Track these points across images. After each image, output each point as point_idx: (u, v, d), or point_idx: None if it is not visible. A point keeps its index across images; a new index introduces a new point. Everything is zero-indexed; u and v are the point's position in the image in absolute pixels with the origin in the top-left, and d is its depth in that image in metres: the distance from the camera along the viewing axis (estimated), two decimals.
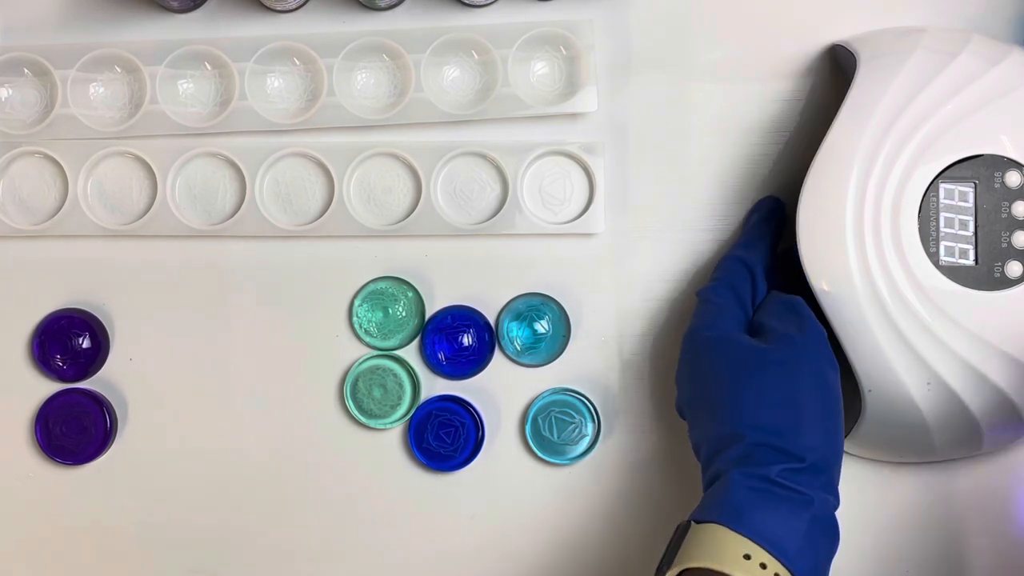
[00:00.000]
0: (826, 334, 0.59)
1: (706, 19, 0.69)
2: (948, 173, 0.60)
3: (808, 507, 0.53)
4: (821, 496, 0.53)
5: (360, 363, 0.68)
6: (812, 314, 0.59)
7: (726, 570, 0.50)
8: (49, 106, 0.68)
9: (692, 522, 0.53)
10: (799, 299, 0.60)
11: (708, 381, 0.59)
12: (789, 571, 0.51)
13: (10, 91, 0.68)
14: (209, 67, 0.68)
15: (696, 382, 0.60)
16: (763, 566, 0.50)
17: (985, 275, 0.60)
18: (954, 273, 0.60)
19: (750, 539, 0.51)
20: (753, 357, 0.57)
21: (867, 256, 0.60)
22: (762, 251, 0.64)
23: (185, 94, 0.68)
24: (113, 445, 0.68)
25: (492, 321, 0.68)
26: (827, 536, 0.54)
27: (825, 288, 0.60)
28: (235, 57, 0.67)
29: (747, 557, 0.50)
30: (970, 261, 0.60)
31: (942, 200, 0.60)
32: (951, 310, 0.60)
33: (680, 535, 0.53)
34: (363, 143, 0.68)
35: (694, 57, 0.69)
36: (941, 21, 0.68)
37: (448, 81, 0.68)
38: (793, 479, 0.53)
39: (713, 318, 0.61)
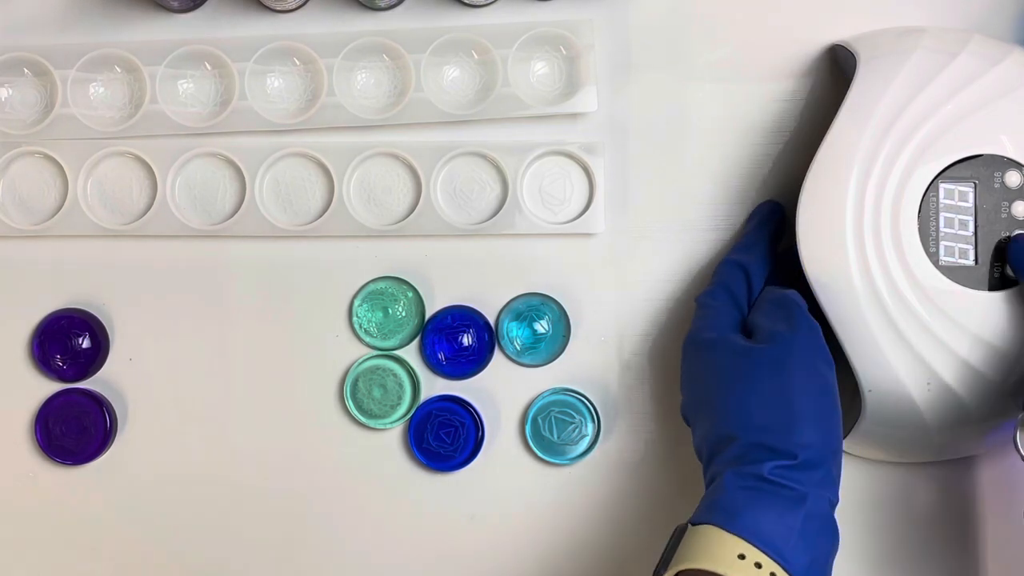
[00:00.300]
0: (819, 329, 0.59)
1: (706, 19, 0.69)
2: (948, 173, 0.60)
3: (801, 503, 0.53)
4: (816, 492, 0.53)
5: (360, 363, 0.68)
6: (804, 309, 0.59)
7: (720, 571, 0.50)
8: (49, 106, 0.68)
9: (689, 525, 0.53)
10: (791, 294, 0.60)
11: (703, 384, 0.59)
12: (784, 569, 0.51)
13: (10, 91, 0.68)
14: (209, 67, 0.68)
15: (693, 386, 0.60)
16: (758, 565, 0.50)
17: (985, 275, 0.60)
18: (954, 273, 0.60)
19: (744, 539, 0.51)
20: (742, 357, 0.57)
21: (867, 256, 0.60)
22: (758, 254, 0.64)
23: (185, 94, 0.68)
24: (113, 445, 0.68)
25: (492, 321, 0.68)
26: (824, 532, 0.54)
27: (825, 288, 0.60)
28: (235, 57, 0.67)
29: (741, 557, 0.51)
30: (970, 261, 0.60)
31: (942, 200, 0.60)
32: (951, 310, 0.60)
33: (677, 538, 0.53)
34: (363, 143, 0.68)
35: (694, 57, 0.69)
36: (941, 21, 0.68)
37: (448, 81, 0.68)
38: (785, 476, 0.53)
39: (709, 321, 0.61)
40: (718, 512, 0.52)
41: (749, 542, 0.51)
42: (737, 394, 0.56)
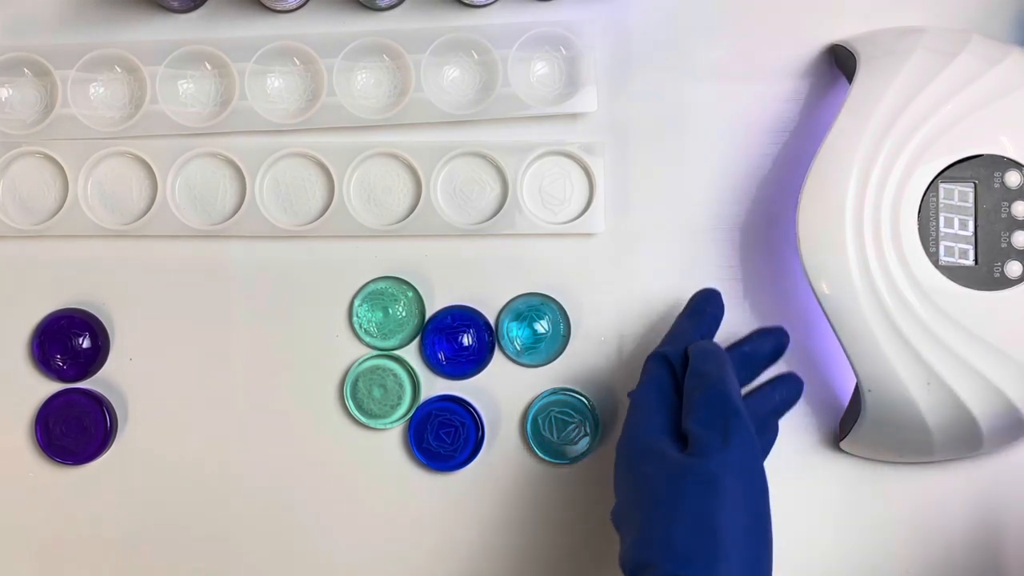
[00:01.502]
0: (757, 442, 0.54)
1: (706, 19, 0.69)
2: (948, 173, 0.60)
3: None
4: None
5: (360, 363, 0.68)
6: (741, 416, 0.54)
7: None
8: (49, 106, 0.68)
9: None
10: (729, 393, 0.55)
11: (630, 495, 0.55)
12: None
13: (10, 91, 0.68)
14: (209, 67, 0.68)
15: (621, 495, 0.56)
16: None
17: (985, 275, 0.60)
18: (954, 273, 0.60)
19: None
20: (670, 471, 0.52)
21: (867, 256, 0.60)
22: (683, 347, 0.60)
23: (185, 94, 0.68)
24: (113, 445, 0.68)
25: (492, 321, 0.68)
26: None
27: (825, 289, 0.60)
28: (235, 57, 0.67)
29: None
30: (970, 261, 0.60)
31: (942, 200, 0.60)
32: (951, 310, 0.60)
33: None
34: (363, 143, 0.68)
35: (694, 57, 0.69)
36: (941, 21, 0.68)
37: (448, 81, 0.68)
38: None
39: (640, 426, 0.56)
40: None
41: None
42: (661, 514, 0.52)
